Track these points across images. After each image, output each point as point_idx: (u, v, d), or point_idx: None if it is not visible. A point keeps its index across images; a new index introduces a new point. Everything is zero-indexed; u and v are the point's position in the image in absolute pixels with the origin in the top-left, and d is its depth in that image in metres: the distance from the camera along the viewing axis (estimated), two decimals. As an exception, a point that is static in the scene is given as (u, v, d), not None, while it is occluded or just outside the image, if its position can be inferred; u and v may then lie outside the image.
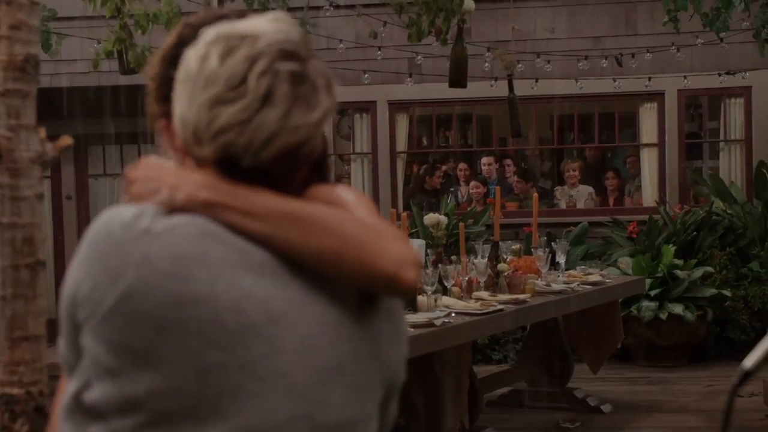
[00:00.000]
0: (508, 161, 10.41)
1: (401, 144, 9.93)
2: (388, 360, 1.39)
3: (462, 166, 10.30)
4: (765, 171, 8.72)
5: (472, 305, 5.18)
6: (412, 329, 4.32)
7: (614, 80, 9.10)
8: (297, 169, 1.35)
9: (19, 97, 2.22)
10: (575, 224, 8.94)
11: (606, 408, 6.66)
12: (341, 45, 8.50)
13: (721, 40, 7.96)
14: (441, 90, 8.17)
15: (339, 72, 8.21)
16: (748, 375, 1.42)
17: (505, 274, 5.78)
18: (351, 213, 1.36)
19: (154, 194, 1.32)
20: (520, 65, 8.58)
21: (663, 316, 7.83)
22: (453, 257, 5.70)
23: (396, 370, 1.41)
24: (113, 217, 1.32)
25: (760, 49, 7.41)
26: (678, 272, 8.01)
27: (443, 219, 6.04)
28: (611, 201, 9.77)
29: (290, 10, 7.01)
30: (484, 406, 6.20)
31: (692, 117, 10.77)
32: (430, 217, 6.05)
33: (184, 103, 1.33)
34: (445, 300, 5.11)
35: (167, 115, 1.40)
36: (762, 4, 7.28)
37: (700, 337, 8.14)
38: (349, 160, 10.12)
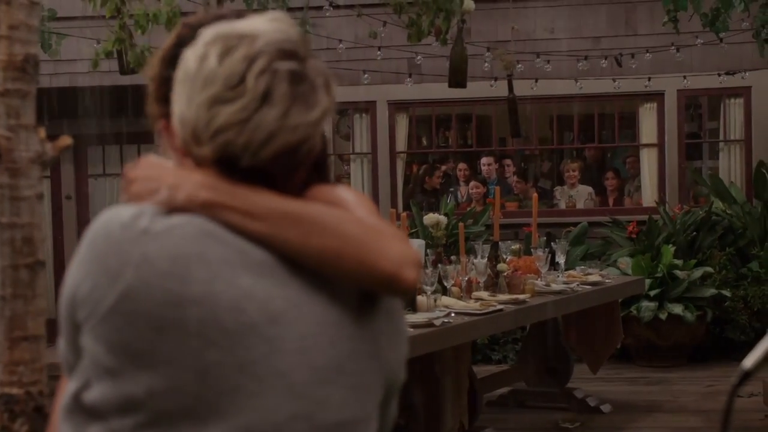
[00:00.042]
0: (508, 161, 10.41)
1: (401, 144, 9.93)
2: (388, 360, 1.39)
3: (462, 166, 10.30)
4: (764, 171, 8.72)
5: (471, 305, 5.18)
6: (411, 329, 4.32)
7: (614, 80, 9.10)
8: (296, 168, 1.35)
9: (19, 97, 2.22)
10: (575, 224, 8.94)
11: (605, 408, 6.66)
12: (341, 45, 8.51)
13: (721, 40, 7.96)
14: (441, 90, 8.17)
15: (339, 72, 8.21)
16: (747, 375, 1.42)
17: (505, 274, 5.78)
18: (351, 213, 1.36)
19: (153, 194, 1.32)
20: (519, 65, 8.58)
21: (662, 316, 7.83)
22: (452, 257, 5.70)
23: (396, 370, 1.41)
24: (112, 217, 1.32)
25: (759, 49, 7.41)
26: (677, 272, 8.01)
27: (443, 219, 6.04)
28: (611, 201, 9.78)
29: (290, 10, 7.01)
30: (484, 406, 6.20)
31: (692, 117, 10.77)
32: (430, 217, 6.05)
33: (183, 103, 1.33)
34: (445, 300, 5.11)
35: (167, 115, 1.40)
36: (762, 4, 7.28)
37: (700, 338, 8.14)
38: (348, 160, 10.12)
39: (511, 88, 7.84)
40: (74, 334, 1.34)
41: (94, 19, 7.12)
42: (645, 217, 8.77)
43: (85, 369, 1.32)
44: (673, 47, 8.59)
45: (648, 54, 8.89)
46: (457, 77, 7.23)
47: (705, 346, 8.23)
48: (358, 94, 9.22)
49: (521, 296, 5.58)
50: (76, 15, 8.07)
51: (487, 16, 9.07)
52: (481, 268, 5.61)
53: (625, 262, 8.23)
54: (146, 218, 1.30)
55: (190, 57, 1.34)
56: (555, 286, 5.97)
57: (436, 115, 10.37)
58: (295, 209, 1.31)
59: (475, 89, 8.46)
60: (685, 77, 9.10)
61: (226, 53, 1.31)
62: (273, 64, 1.31)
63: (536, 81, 9.03)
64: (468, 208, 9.29)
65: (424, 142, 11.09)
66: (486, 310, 5.10)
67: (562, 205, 9.81)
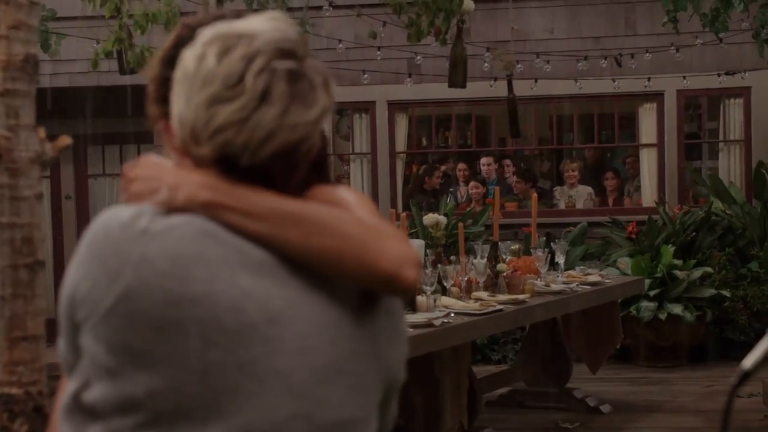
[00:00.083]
0: (508, 161, 10.41)
1: (400, 144, 9.93)
2: (388, 360, 1.39)
3: (461, 166, 10.29)
4: (764, 171, 8.72)
5: (471, 305, 5.18)
6: (411, 329, 4.32)
7: (613, 80, 9.10)
8: (295, 167, 1.35)
9: (19, 96, 2.22)
10: (574, 224, 8.94)
11: (605, 408, 6.66)
12: (341, 45, 8.50)
13: (721, 40, 7.96)
14: (440, 90, 8.17)
15: (338, 72, 8.22)
16: (747, 375, 1.42)
17: (505, 274, 5.78)
18: (351, 213, 1.36)
19: (153, 194, 1.32)
20: (519, 65, 8.57)
21: (662, 316, 7.83)
22: (452, 257, 5.70)
23: (396, 369, 1.41)
24: (112, 218, 1.32)
25: (759, 49, 7.41)
26: (677, 272, 8.01)
27: (442, 219, 6.05)
28: (610, 201, 9.77)
29: (289, 10, 7.01)
30: (483, 406, 6.20)
31: (691, 117, 10.77)
32: (430, 218, 6.05)
33: (182, 103, 1.33)
34: (445, 300, 5.11)
35: (167, 115, 1.40)
36: (761, 4, 7.28)
37: (699, 338, 8.14)
38: (348, 160, 10.12)
39: (510, 89, 7.84)
40: (74, 334, 1.34)
41: (94, 19, 7.12)
42: (644, 218, 8.77)
43: (84, 369, 1.32)
44: (672, 47, 8.59)
45: (648, 54, 8.89)
46: (457, 77, 7.23)
47: (704, 347, 8.23)
48: (358, 94, 9.22)
49: (521, 296, 5.58)
50: (76, 15, 8.07)
51: (487, 16, 9.07)
52: (481, 269, 5.61)
53: (625, 262, 8.23)
54: (145, 218, 1.30)
55: (188, 57, 1.34)
56: (554, 287, 5.97)
57: (435, 116, 10.37)
58: (295, 209, 1.31)
59: (475, 89, 8.46)
60: (684, 77, 9.10)
61: (224, 53, 1.31)
62: (271, 63, 1.31)
63: (536, 81, 9.03)
64: (467, 209, 9.29)
65: (424, 142, 11.09)
66: (485, 311, 5.10)
67: (562, 206, 9.81)
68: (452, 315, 4.93)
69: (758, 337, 6.26)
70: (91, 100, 9.80)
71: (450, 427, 5.09)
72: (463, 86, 7.34)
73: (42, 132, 2.27)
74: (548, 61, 8.92)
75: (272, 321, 1.28)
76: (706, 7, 7.08)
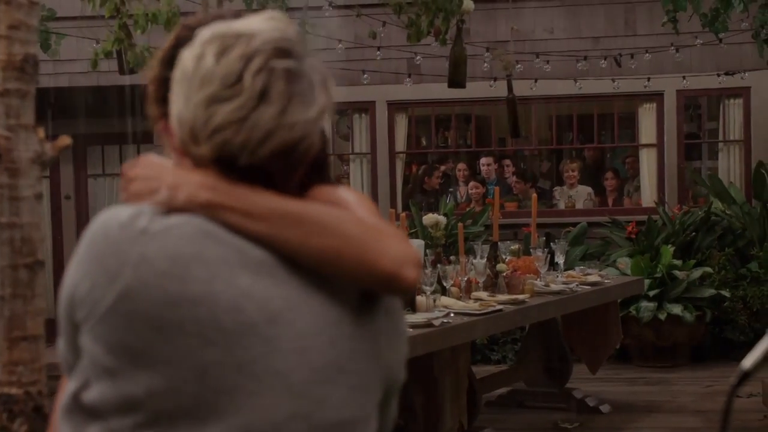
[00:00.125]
0: (507, 161, 10.41)
1: (400, 144, 9.93)
2: (388, 360, 1.39)
3: (461, 166, 10.29)
4: (764, 171, 8.72)
5: (470, 305, 5.18)
6: (410, 329, 4.32)
7: (613, 81, 9.10)
8: (294, 167, 1.35)
9: (18, 96, 2.22)
10: (574, 224, 8.94)
11: (605, 408, 6.66)
12: (340, 45, 8.50)
13: (720, 40, 7.96)
14: (440, 90, 8.17)
15: (338, 72, 8.21)
16: (746, 375, 1.42)
17: (504, 274, 5.78)
18: (351, 213, 1.36)
19: (153, 194, 1.32)
20: (519, 65, 8.57)
21: (662, 316, 7.83)
22: (452, 257, 5.70)
23: (395, 369, 1.41)
24: (111, 218, 1.32)
25: (759, 49, 7.42)
26: (677, 273, 8.01)
27: (442, 219, 6.05)
28: (610, 201, 9.77)
29: (289, 10, 7.01)
30: (483, 406, 6.20)
31: (691, 117, 10.77)
32: (429, 218, 6.06)
33: (181, 103, 1.33)
34: (444, 300, 5.11)
35: (167, 116, 1.40)
36: (761, 4, 7.28)
37: (699, 338, 8.14)
38: (348, 160, 10.12)
39: (510, 89, 7.83)
40: (73, 334, 1.34)
41: (94, 19, 7.11)
42: (644, 218, 8.77)
43: (84, 369, 1.32)
44: (672, 47, 8.59)
45: (647, 54, 8.89)
46: (457, 77, 7.22)
47: (704, 347, 8.23)
48: (358, 94, 9.22)
49: (520, 296, 5.58)
50: (76, 15, 8.06)
51: (487, 16, 9.07)
52: (481, 269, 5.61)
53: (625, 262, 8.23)
54: (145, 218, 1.30)
55: (187, 57, 1.34)
56: (554, 287, 5.97)
57: (435, 116, 10.37)
58: (295, 209, 1.31)
59: (475, 89, 8.46)
60: (684, 77, 9.10)
61: (222, 52, 1.31)
62: (270, 63, 1.31)
63: (535, 81, 9.03)
64: (467, 209, 9.29)
65: (424, 142, 11.09)
66: (485, 311, 5.10)
67: (562, 206, 9.81)
68: (452, 315, 4.93)
69: (758, 337, 6.26)
70: (91, 100, 9.80)
71: (450, 427, 5.09)
72: (463, 86, 7.34)
73: (42, 132, 2.27)
74: (548, 61, 8.92)
75: (272, 321, 1.28)
76: (706, 7, 7.08)
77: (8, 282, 2.21)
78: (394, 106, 9.73)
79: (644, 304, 7.88)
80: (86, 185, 10.76)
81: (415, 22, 7.07)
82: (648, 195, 9.59)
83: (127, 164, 1.40)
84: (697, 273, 8.05)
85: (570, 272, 6.49)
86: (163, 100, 1.42)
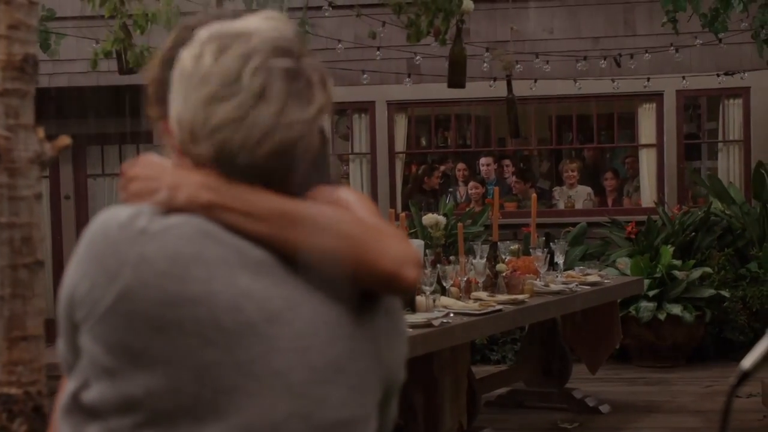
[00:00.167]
0: (507, 161, 10.41)
1: (400, 144, 9.93)
2: (388, 359, 1.39)
3: (460, 166, 10.30)
4: (763, 171, 8.72)
5: (470, 305, 5.18)
6: (410, 329, 4.32)
7: (613, 81, 9.11)
8: (294, 166, 1.35)
9: (18, 96, 2.22)
10: (574, 225, 8.94)
11: (604, 408, 6.66)
12: (340, 45, 8.50)
13: (720, 40, 7.96)
14: (440, 90, 8.17)
15: (338, 72, 8.21)
16: (746, 375, 1.42)
17: (504, 274, 5.78)
18: (351, 213, 1.36)
19: (153, 194, 1.32)
20: (518, 66, 8.57)
21: (661, 316, 7.83)
22: (451, 257, 5.70)
23: (395, 369, 1.41)
24: (110, 218, 1.32)
25: (758, 49, 7.42)
26: (676, 273, 8.01)
27: (442, 219, 6.05)
28: (610, 201, 9.78)
29: (289, 10, 7.01)
30: (483, 406, 6.19)
31: (691, 117, 10.77)
32: (429, 218, 6.05)
33: (180, 103, 1.33)
34: (444, 300, 5.11)
35: (167, 117, 1.40)
36: (761, 4, 7.28)
37: (699, 338, 8.14)
38: (347, 160, 10.12)
39: (510, 89, 7.84)
40: (73, 334, 1.34)
41: (93, 18, 7.12)
42: (644, 218, 8.77)
43: (83, 369, 1.32)
44: (672, 47, 8.59)
45: (647, 54, 8.89)
46: (456, 77, 7.23)
47: (704, 347, 8.23)
48: (357, 95, 9.22)
49: (520, 296, 5.58)
50: (75, 15, 8.07)
51: (486, 16, 9.07)
52: (480, 269, 5.61)
53: (624, 262, 8.23)
54: (144, 218, 1.30)
55: (185, 56, 1.34)
56: (554, 287, 5.97)
57: (435, 116, 10.37)
58: (295, 209, 1.31)
59: (474, 89, 8.46)
60: (684, 78, 9.10)
61: (221, 52, 1.31)
62: (268, 62, 1.31)
63: (535, 81, 9.03)
64: (467, 209, 9.30)
65: (423, 142, 11.09)
66: (485, 311, 5.10)
67: (561, 206, 9.81)
68: (451, 315, 4.93)
69: (757, 337, 6.25)
70: (91, 100, 9.80)
71: (449, 428, 5.09)
72: (463, 86, 7.34)
73: (41, 132, 2.27)
74: (547, 62, 8.92)
75: (271, 321, 1.28)
76: (706, 7, 7.08)
77: (8, 282, 2.21)
78: (394, 106, 9.74)
79: (644, 304, 7.89)
80: (86, 185, 10.75)
81: (414, 22, 7.07)
82: (647, 195, 9.59)
83: (126, 164, 1.40)
84: (696, 273, 8.05)
85: (569, 272, 6.49)
86: (163, 100, 1.42)
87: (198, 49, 1.33)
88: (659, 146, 9.53)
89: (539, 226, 7.39)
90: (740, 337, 8.07)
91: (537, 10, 9.40)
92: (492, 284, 5.72)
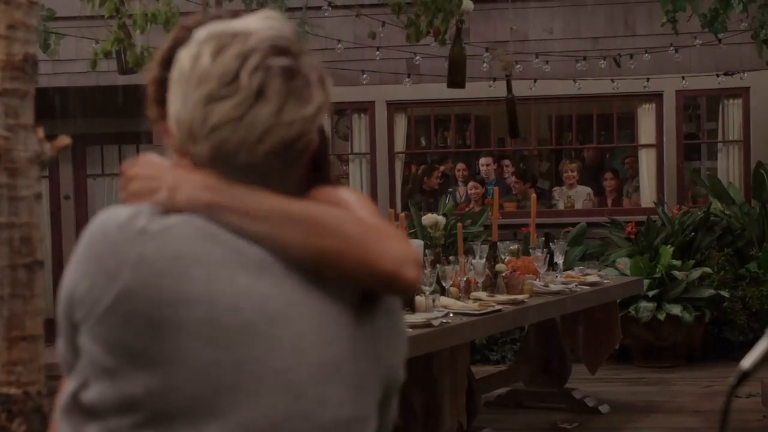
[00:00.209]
0: (507, 162, 10.41)
1: (399, 144, 9.93)
2: (387, 359, 1.39)
3: (460, 166, 10.29)
4: (763, 172, 8.72)
5: (470, 305, 5.18)
6: (410, 329, 4.32)
7: (612, 81, 9.11)
8: (293, 165, 1.35)
9: (18, 96, 2.22)
10: (573, 225, 8.94)
11: (604, 408, 6.66)
12: (339, 45, 8.50)
13: (720, 41, 7.96)
14: (439, 90, 8.17)
15: (337, 72, 8.21)
16: (745, 376, 1.42)
17: (503, 274, 5.78)
18: (352, 213, 1.36)
19: (152, 193, 1.32)
20: (518, 66, 8.57)
21: (661, 316, 7.83)
22: (451, 258, 5.70)
23: (395, 369, 1.41)
24: (110, 218, 1.32)
25: (758, 49, 7.42)
26: (676, 273, 8.01)
27: (441, 219, 6.05)
28: (609, 201, 9.78)
29: (288, 10, 7.01)
30: (482, 406, 6.20)
31: (690, 118, 10.77)
32: (428, 218, 6.05)
33: (179, 102, 1.33)
34: (443, 300, 5.11)
35: (166, 116, 1.40)
36: (760, 5, 7.28)
37: (698, 338, 8.14)
38: (347, 160, 10.11)
39: (509, 89, 7.83)
40: (72, 334, 1.34)
41: (93, 18, 7.11)
42: (643, 218, 8.77)
43: (83, 369, 1.32)
44: (671, 48, 8.59)
45: (646, 54, 8.89)
46: (456, 77, 7.22)
47: (703, 347, 8.23)
48: (357, 95, 9.22)
49: (519, 297, 5.58)
50: (75, 15, 8.06)
51: (486, 16, 9.07)
52: (480, 269, 5.61)
53: (624, 262, 8.23)
54: (143, 218, 1.30)
55: (184, 56, 1.34)
56: (553, 287, 5.97)
57: (434, 116, 10.37)
58: (295, 209, 1.31)
59: (474, 89, 8.45)
60: (683, 78, 9.10)
61: (219, 51, 1.31)
62: (266, 61, 1.31)
63: (535, 81, 9.03)
64: (466, 209, 9.30)
65: (423, 142, 11.09)
66: (484, 311, 5.10)
67: (561, 206, 9.81)
68: (451, 315, 4.93)
69: (757, 337, 6.25)
70: (90, 100, 9.80)
71: (449, 428, 5.09)
72: (462, 86, 7.33)
73: (41, 132, 2.27)
74: (547, 62, 8.92)
75: (271, 320, 1.28)
76: (705, 7, 7.08)
77: (7, 282, 2.21)
78: (394, 106, 9.73)
79: (643, 304, 7.89)
80: (85, 185, 10.75)
81: (414, 22, 7.07)
82: (647, 195, 9.59)
83: (126, 163, 1.40)
84: (696, 273, 8.05)
85: (569, 272, 6.49)
86: (162, 101, 1.42)
87: (196, 49, 1.33)
88: (659, 146, 9.52)
89: (539, 226, 7.39)
90: (740, 337, 8.07)
91: (537, 10, 9.40)
92: (491, 284, 5.72)
